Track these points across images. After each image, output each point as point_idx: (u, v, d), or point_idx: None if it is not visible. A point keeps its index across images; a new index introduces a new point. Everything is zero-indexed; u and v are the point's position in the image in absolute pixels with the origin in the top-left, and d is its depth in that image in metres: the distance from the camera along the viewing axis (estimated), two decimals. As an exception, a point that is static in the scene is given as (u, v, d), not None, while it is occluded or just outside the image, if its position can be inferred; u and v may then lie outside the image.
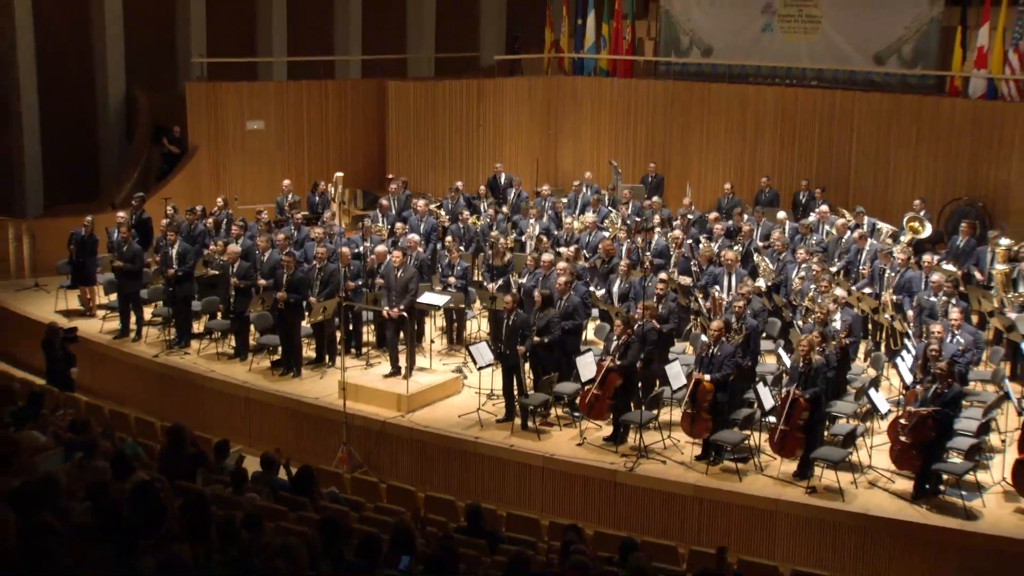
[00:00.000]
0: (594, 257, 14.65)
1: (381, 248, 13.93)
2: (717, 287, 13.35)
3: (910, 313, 12.81)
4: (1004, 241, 14.15)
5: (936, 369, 10.15)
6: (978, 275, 14.07)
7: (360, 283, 13.75)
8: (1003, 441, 11.23)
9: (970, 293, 13.29)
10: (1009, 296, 13.27)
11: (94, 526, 5.81)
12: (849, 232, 15.08)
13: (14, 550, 5.09)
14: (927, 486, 10.23)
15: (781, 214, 16.11)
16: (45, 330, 13.21)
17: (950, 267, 14.17)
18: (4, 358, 15.11)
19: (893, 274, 13.43)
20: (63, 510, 6.03)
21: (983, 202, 16.83)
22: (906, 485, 10.38)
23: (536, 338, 11.84)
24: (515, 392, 11.98)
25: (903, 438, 10.24)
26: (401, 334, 13.04)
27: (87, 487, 6.60)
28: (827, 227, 15.72)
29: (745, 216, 16.03)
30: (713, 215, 16.20)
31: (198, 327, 14.49)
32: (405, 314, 12.71)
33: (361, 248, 14.65)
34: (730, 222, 16.21)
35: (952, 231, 15.72)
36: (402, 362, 12.84)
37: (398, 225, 15.44)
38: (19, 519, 5.37)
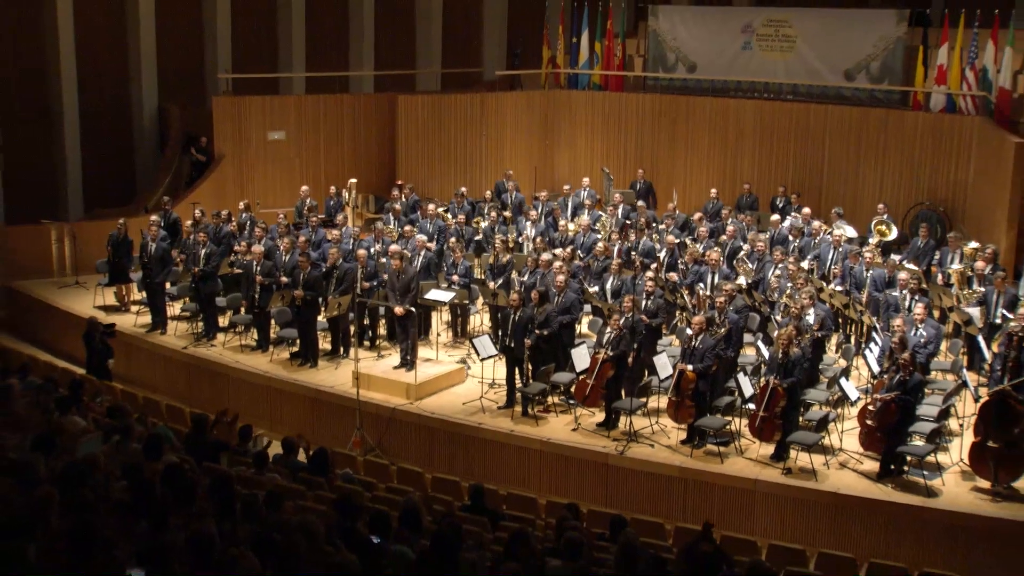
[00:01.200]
0: (588, 256, 14.65)
1: (395, 247, 13.97)
2: (702, 284, 13.36)
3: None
4: (973, 244, 14.20)
5: (900, 360, 10.19)
6: (939, 278, 14.09)
7: (376, 282, 13.76)
8: (961, 426, 11.25)
9: (931, 290, 13.31)
10: (964, 293, 13.30)
11: (130, 502, 5.85)
12: (820, 234, 15.10)
13: (59, 523, 5.13)
14: (892, 467, 10.27)
15: (775, 217, 16.17)
16: (86, 324, 13.23)
17: (911, 266, 14.21)
18: (48, 350, 15.14)
19: (865, 272, 13.45)
20: (102, 488, 6.08)
21: (943, 207, 16.85)
22: (873, 466, 10.41)
23: (537, 331, 11.87)
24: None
25: (870, 422, 10.27)
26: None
27: (123, 467, 6.65)
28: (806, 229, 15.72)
29: (730, 220, 16.03)
30: (697, 215, 16.21)
31: (223, 321, 14.51)
32: (412, 309, 12.74)
33: (373, 249, 14.66)
34: (717, 223, 16.21)
35: (915, 233, 15.79)
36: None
37: (406, 228, 15.43)
38: (63, 496, 5.41)
